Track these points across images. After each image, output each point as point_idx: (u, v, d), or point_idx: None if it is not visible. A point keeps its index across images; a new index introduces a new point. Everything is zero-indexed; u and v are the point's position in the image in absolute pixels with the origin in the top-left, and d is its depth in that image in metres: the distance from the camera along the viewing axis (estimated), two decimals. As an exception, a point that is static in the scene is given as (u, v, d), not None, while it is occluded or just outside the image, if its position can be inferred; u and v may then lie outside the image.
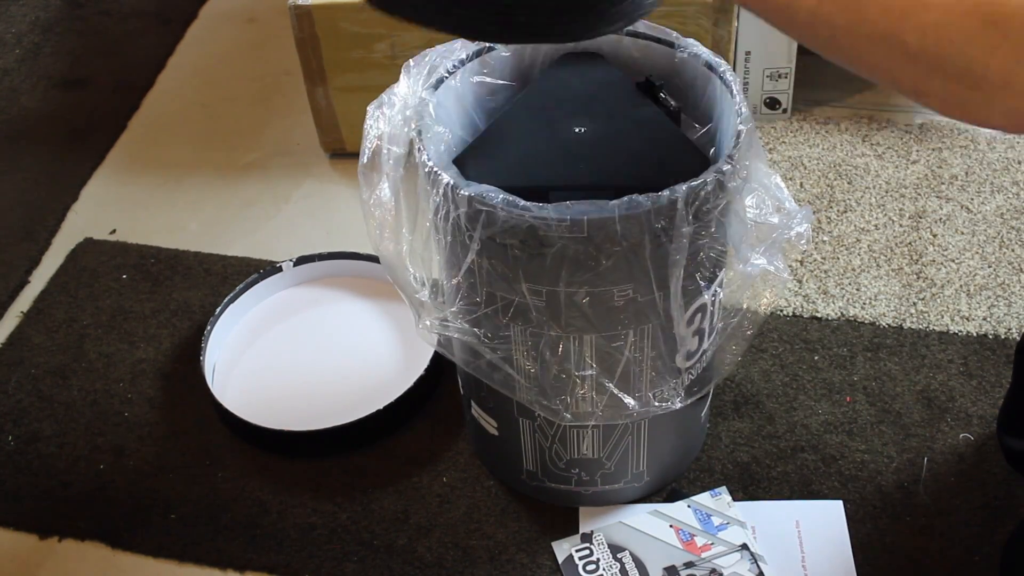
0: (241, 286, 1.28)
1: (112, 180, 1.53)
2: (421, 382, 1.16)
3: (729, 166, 0.84)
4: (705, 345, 0.96)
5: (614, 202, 0.81)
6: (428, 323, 0.93)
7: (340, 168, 1.52)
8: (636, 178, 0.87)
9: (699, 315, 0.92)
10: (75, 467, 1.16)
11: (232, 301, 1.27)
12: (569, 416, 0.94)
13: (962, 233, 1.34)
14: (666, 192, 0.81)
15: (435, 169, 0.86)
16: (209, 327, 1.23)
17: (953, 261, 1.30)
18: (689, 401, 0.96)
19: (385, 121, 0.92)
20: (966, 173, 1.41)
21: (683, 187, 0.82)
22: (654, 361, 0.93)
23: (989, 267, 1.29)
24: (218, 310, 1.25)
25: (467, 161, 0.90)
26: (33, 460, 1.17)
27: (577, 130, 0.92)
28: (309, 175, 1.51)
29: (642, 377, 0.93)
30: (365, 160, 0.91)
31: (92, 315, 1.33)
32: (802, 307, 1.26)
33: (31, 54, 1.76)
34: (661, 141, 0.92)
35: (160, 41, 1.77)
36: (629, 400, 0.93)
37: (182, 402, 1.22)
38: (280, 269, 1.30)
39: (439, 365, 1.19)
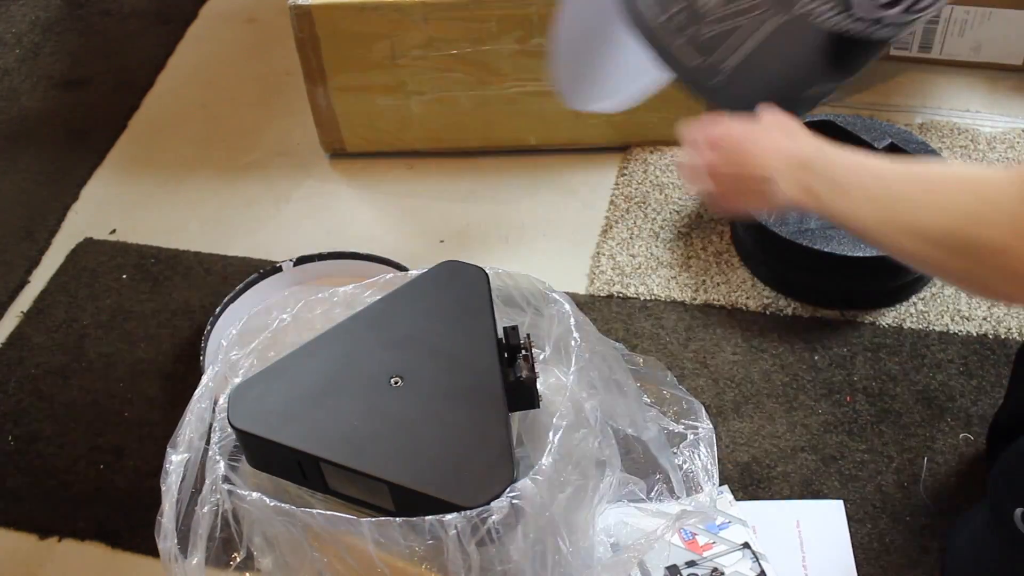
0: (241, 286, 1.27)
1: (112, 180, 1.53)
2: (421, 382, 1.16)
3: (538, 480, 0.73)
4: None
5: (381, 519, 0.73)
6: None
7: (340, 168, 1.52)
8: (421, 479, 0.76)
9: None
10: (75, 467, 1.16)
11: (232, 301, 1.26)
12: None
13: (962, 233, 1.33)
14: (434, 518, 0.71)
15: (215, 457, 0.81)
16: (209, 327, 1.23)
17: (953, 261, 1.30)
18: None
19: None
20: (966, 173, 1.41)
21: (459, 516, 0.71)
22: None
23: (989, 267, 1.29)
24: (218, 310, 1.25)
25: (244, 394, 0.83)
26: (33, 460, 1.17)
27: (393, 382, 0.82)
28: (309, 175, 1.51)
29: None
30: None
31: (92, 315, 1.33)
32: (802, 307, 1.26)
33: (31, 54, 1.76)
34: (481, 434, 0.79)
35: (160, 41, 1.77)
36: None
37: (182, 402, 1.21)
38: (280, 269, 1.30)
39: (439, 365, 1.19)
